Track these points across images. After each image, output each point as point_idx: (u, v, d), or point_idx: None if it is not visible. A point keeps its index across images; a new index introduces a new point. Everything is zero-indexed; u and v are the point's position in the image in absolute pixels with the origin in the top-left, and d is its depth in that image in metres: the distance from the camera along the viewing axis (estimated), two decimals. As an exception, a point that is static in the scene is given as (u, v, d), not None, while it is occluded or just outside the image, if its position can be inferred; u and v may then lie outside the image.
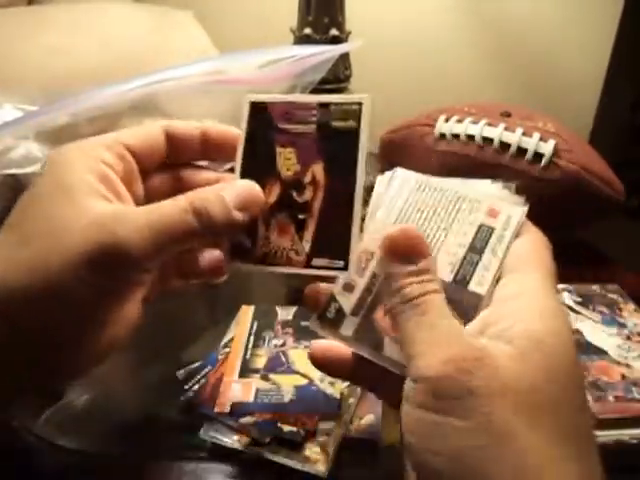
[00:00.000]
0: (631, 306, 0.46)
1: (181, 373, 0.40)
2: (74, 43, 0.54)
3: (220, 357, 0.41)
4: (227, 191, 0.26)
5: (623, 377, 0.37)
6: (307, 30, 0.55)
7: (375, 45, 0.58)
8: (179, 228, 0.24)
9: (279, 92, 0.48)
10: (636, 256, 0.56)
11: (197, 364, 0.41)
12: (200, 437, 0.35)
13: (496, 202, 0.27)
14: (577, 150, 0.51)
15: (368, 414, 0.37)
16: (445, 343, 0.22)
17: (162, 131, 0.29)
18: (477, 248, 0.26)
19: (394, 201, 0.28)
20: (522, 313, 0.22)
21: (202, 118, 0.53)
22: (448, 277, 0.26)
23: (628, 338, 0.42)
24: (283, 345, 0.42)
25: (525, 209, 0.26)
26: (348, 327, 0.27)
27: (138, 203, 0.28)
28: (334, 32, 0.55)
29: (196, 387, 0.39)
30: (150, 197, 0.29)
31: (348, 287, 0.27)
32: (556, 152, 0.50)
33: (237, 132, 0.30)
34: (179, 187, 0.30)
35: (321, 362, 0.28)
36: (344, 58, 0.56)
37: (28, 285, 0.23)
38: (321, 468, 0.33)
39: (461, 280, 0.26)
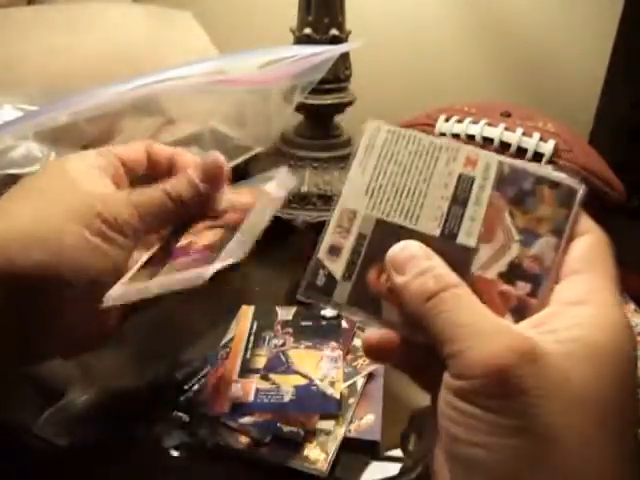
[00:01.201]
0: (631, 306, 0.46)
1: (181, 373, 0.40)
2: (74, 43, 0.54)
3: (220, 357, 0.41)
4: (191, 169, 0.33)
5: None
6: (307, 30, 0.54)
7: (375, 45, 0.58)
8: (157, 206, 0.31)
9: (279, 92, 0.48)
10: (636, 256, 0.56)
11: (197, 364, 0.41)
12: (200, 437, 0.35)
13: (472, 150, 0.26)
14: (577, 150, 0.51)
15: (368, 414, 0.37)
16: (489, 337, 0.20)
17: (144, 148, 0.35)
18: (460, 200, 0.25)
19: (368, 154, 0.27)
20: (581, 319, 0.21)
21: (202, 118, 0.53)
22: (436, 232, 0.25)
23: (628, 338, 0.41)
24: (283, 345, 0.42)
25: (582, 190, 0.25)
26: (341, 294, 0.25)
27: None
28: (334, 32, 0.55)
29: (196, 387, 0.39)
30: None
31: (334, 250, 0.26)
32: (556, 152, 0.50)
33: (193, 158, 0.35)
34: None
35: (376, 351, 0.27)
36: (344, 58, 0.56)
37: (33, 234, 0.27)
38: (321, 468, 0.33)
39: (449, 234, 0.25)
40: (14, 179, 0.46)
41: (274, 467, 0.33)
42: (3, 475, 0.33)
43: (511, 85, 0.81)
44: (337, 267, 0.26)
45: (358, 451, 0.35)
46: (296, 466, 0.33)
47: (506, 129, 0.51)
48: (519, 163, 0.25)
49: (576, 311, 0.22)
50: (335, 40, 0.54)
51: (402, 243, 0.24)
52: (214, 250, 0.29)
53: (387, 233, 0.25)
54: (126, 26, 0.59)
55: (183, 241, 0.32)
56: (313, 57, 0.42)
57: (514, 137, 0.50)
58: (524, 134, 0.50)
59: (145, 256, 0.32)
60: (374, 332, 0.26)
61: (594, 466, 0.19)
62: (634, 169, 0.61)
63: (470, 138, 0.52)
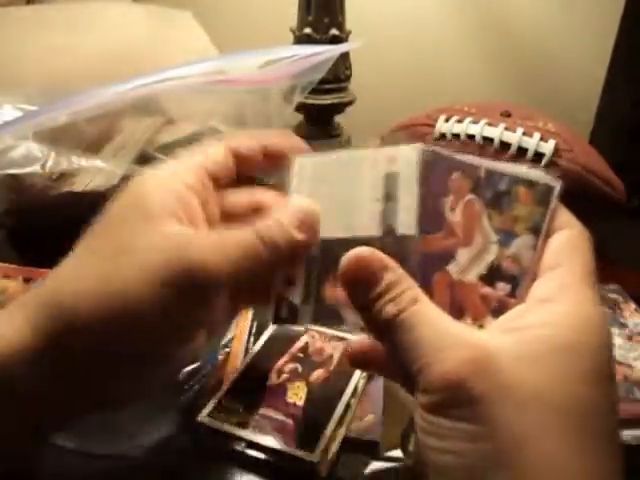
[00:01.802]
0: (632, 306, 0.45)
1: (181, 373, 0.40)
2: (73, 43, 0.54)
3: (220, 357, 0.41)
4: (284, 214, 0.26)
5: (625, 378, 0.37)
6: (307, 30, 0.54)
7: (375, 45, 0.58)
8: (249, 252, 0.25)
9: (279, 92, 0.48)
10: (637, 256, 0.56)
11: (197, 364, 0.41)
12: (200, 437, 0.35)
13: (390, 149, 0.26)
14: (577, 150, 0.51)
15: (368, 414, 0.37)
16: (444, 352, 0.21)
17: (230, 151, 0.29)
18: (391, 195, 0.26)
19: (299, 184, 0.28)
20: (549, 317, 0.22)
21: (202, 118, 0.53)
22: (378, 232, 0.25)
23: (629, 338, 0.41)
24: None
25: (559, 186, 0.25)
26: (305, 317, 0.26)
27: (213, 224, 0.29)
28: (334, 32, 0.55)
29: (196, 387, 0.39)
30: (227, 217, 0.30)
31: (290, 280, 0.27)
32: (556, 152, 0.50)
33: (297, 143, 0.30)
34: (253, 206, 0.30)
35: (360, 361, 0.27)
36: (344, 58, 0.56)
37: (101, 297, 0.23)
38: (321, 468, 0.33)
39: (389, 230, 0.25)
40: (14, 179, 0.46)
41: (274, 467, 0.33)
42: (3, 475, 0.32)
43: (511, 85, 0.81)
44: (295, 295, 0.27)
45: (358, 451, 0.35)
46: (296, 466, 0.33)
47: (506, 129, 0.51)
48: (495, 165, 0.26)
49: (546, 309, 0.22)
50: (335, 40, 0.54)
51: (350, 252, 0.24)
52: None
53: (334, 249, 0.26)
54: (126, 26, 0.59)
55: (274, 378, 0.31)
56: (313, 57, 0.42)
57: (514, 137, 0.50)
58: (524, 134, 0.50)
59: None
60: (356, 343, 0.26)
61: (559, 460, 0.20)
62: (634, 169, 0.61)
63: (470, 138, 0.52)
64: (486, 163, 0.26)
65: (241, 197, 0.30)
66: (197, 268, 0.23)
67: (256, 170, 0.31)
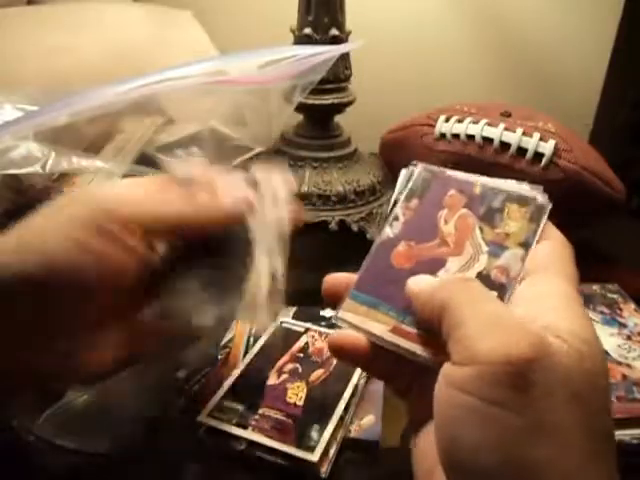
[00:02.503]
0: (631, 306, 0.46)
1: (181, 373, 0.40)
2: (74, 43, 0.54)
3: (220, 357, 0.41)
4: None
5: (624, 377, 0.37)
6: (307, 30, 0.54)
7: (375, 45, 0.58)
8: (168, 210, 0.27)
9: (279, 92, 0.48)
10: (636, 256, 0.56)
11: (197, 364, 0.41)
12: (200, 437, 0.35)
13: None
14: (577, 150, 0.51)
15: (368, 414, 0.37)
16: (507, 326, 0.20)
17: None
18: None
19: None
20: (561, 312, 0.21)
21: (202, 118, 0.53)
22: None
23: (629, 338, 0.42)
24: (283, 345, 0.42)
25: (550, 206, 0.26)
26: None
27: None
28: (334, 32, 0.55)
29: (196, 387, 0.39)
30: None
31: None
32: (556, 152, 0.50)
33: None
34: None
35: (339, 352, 0.27)
36: (344, 58, 0.56)
37: (23, 259, 0.24)
38: (321, 468, 0.33)
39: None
40: (14, 179, 0.46)
41: (274, 467, 0.33)
42: (3, 475, 0.33)
43: (511, 85, 0.81)
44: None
45: (358, 451, 0.35)
46: (296, 466, 0.33)
47: (506, 129, 0.51)
48: (489, 182, 0.27)
49: (549, 303, 0.22)
50: (335, 40, 0.54)
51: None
52: None
53: None
54: (126, 26, 0.59)
55: None
56: (313, 57, 0.42)
57: (514, 137, 0.50)
58: (524, 134, 0.50)
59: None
60: (338, 334, 0.26)
61: (581, 455, 0.19)
62: (634, 169, 0.61)
63: (470, 138, 0.52)
64: (481, 180, 0.27)
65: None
66: (114, 208, 0.26)
67: None
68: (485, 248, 0.25)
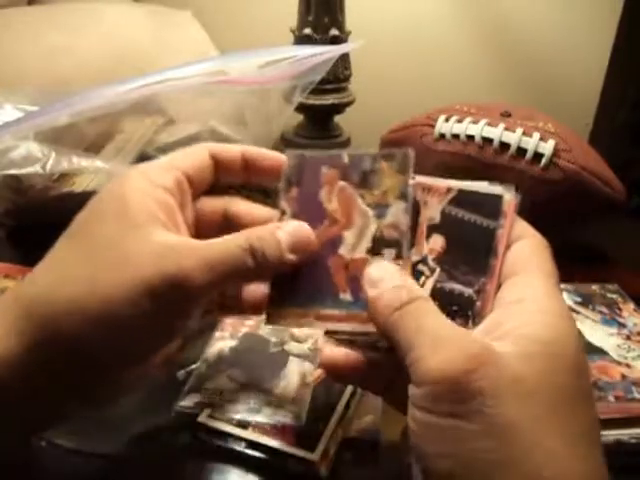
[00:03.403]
0: (631, 306, 0.46)
1: (181, 373, 0.40)
2: (74, 43, 0.54)
3: (220, 357, 0.41)
4: (282, 232, 0.26)
5: (623, 377, 0.37)
6: (307, 30, 0.54)
7: (375, 45, 0.58)
8: (236, 265, 0.25)
9: (279, 92, 0.48)
10: (636, 256, 0.56)
11: (197, 364, 0.41)
12: (200, 437, 0.35)
13: None
14: (577, 150, 0.51)
15: (368, 414, 0.37)
16: (447, 344, 0.21)
17: (209, 154, 0.29)
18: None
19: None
20: (526, 316, 0.22)
21: (202, 118, 0.53)
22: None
23: (628, 338, 0.42)
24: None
25: (514, 197, 0.26)
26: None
27: (189, 228, 0.29)
28: (334, 32, 0.55)
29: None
30: (200, 223, 0.30)
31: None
32: (556, 152, 0.50)
33: (277, 154, 0.30)
34: (227, 215, 0.30)
35: (333, 373, 0.27)
36: (344, 58, 0.56)
37: (86, 303, 0.23)
38: (321, 468, 0.33)
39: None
40: (14, 179, 0.46)
41: (274, 467, 0.33)
42: (3, 475, 0.33)
43: (511, 85, 0.81)
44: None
45: (358, 451, 0.35)
46: (296, 466, 0.33)
47: (506, 129, 0.51)
48: (354, 150, 0.28)
49: (518, 308, 0.23)
50: (335, 40, 0.54)
51: (378, 263, 0.25)
52: None
53: None
54: (126, 26, 0.59)
55: None
56: (313, 58, 0.43)
57: (514, 137, 0.50)
58: (524, 134, 0.50)
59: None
60: (329, 355, 0.26)
61: (558, 454, 0.20)
62: (634, 169, 0.61)
63: (470, 138, 0.53)
64: (347, 151, 0.29)
65: (215, 205, 0.30)
66: (184, 279, 0.23)
67: (236, 179, 0.31)
68: (371, 212, 0.27)
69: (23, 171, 0.40)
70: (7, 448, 0.27)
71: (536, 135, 0.50)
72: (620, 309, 0.45)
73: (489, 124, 0.52)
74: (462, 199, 0.27)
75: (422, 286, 0.26)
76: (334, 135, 0.60)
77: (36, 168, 0.41)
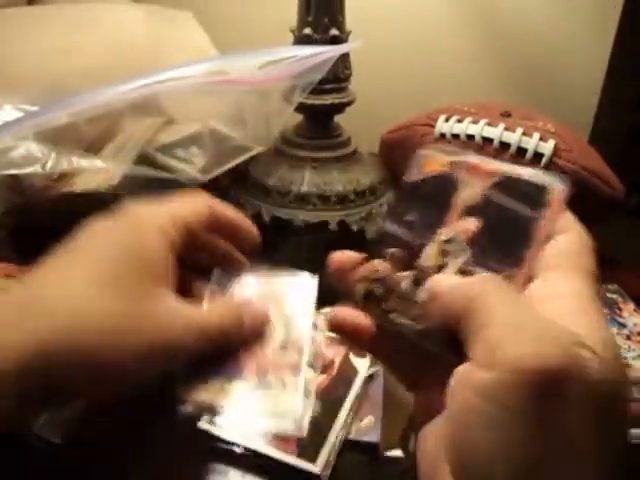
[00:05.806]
0: (631, 306, 0.46)
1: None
2: (74, 43, 0.54)
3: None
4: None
5: (623, 377, 0.38)
6: (307, 30, 0.54)
7: (375, 45, 0.58)
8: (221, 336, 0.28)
9: (279, 92, 0.48)
10: (636, 256, 0.56)
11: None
12: (200, 442, 0.35)
13: None
14: (577, 150, 0.51)
15: (368, 416, 0.37)
16: (534, 332, 0.18)
17: (208, 209, 0.30)
18: None
19: None
20: (579, 316, 0.20)
21: (202, 118, 0.53)
22: None
23: (628, 338, 0.42)
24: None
25: (564, 188, 0.25)
26: None
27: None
28: (334, 32, 0.54)
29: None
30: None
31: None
32: (556, 152, 0.50)
33: (247, 222, 0.31)
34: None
35: (340, 328, 0.25)
36: (344, 58, 0.56)
37: (106, 340, 0.24)
38: (322, 470, 0.33)
39: None
40: (14, 179, 0.46)
41: (274, 468, 0.33)
42: (3, 475, 0.33)
43: (511, 85, 0.81)
44: None
45: (358, 452, 0.35)
46: (296, 467, 0.33)
47: (506, 129, 0.51)
48: None
49: (547, 308, 0.20)
50: (335, 40, 0.54)
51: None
52: None
53: None
54: (126, 26, 0.59)
55: None
56: (313, 57, 0.43)
57: (514, 137, 0.50)
58: (524, 134, 0.50)
59: None
60: (341, 309, 0.25)
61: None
62: (634, 169, 0.61)
63: (470, 138, 0.52)
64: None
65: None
66: (182, 348, 0.27)
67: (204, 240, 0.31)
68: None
69: (23, 171, 0.40)
70: None
71: (536, 135, 0.50)
72: (620, 309, 0.45)
73: (489, 124, 0.52)
74: (507, 184, 0.25)
75: (446, 265, 0.24)
76: (334, 135, 0.60)
77: (36, 168, 0.41)
